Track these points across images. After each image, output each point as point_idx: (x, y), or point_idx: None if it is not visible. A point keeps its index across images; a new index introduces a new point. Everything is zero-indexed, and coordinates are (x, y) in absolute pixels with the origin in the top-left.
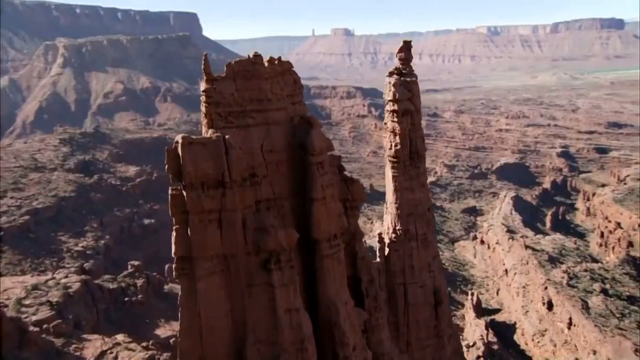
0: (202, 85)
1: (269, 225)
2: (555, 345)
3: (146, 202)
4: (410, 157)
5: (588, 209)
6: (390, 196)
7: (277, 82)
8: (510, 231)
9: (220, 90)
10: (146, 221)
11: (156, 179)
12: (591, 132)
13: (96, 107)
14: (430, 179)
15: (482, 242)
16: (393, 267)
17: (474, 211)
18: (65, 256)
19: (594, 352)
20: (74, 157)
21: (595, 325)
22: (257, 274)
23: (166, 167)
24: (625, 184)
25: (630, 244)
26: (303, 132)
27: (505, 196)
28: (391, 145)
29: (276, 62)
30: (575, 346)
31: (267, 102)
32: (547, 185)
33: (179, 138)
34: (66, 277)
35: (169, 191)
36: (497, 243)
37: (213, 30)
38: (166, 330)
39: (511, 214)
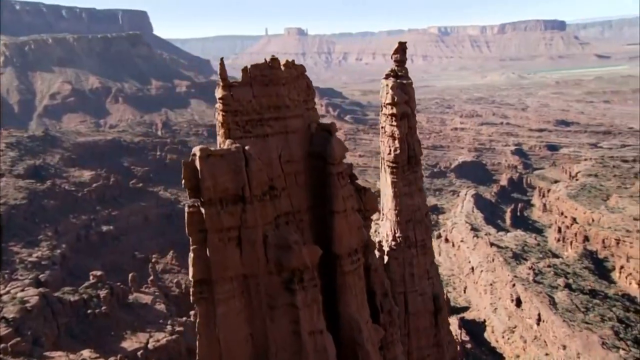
0: (218, 92)
1: (292, 241)
2: (525, 342)
3: (104, 208)
4: (408, 162)
5: (544, 205)
6: (389, 202)
7: (293, 87)
8: (474, 229)
9: (238, 97)
10: (105, 228)
11: (113, 184)
12: (541, 130)
13: (42, 108)
14: None
15: (447, 240)
16: (393, 275)
17: (435, 210)
18: (18, 268)
19: (564, 347)
20: (22, 162)
21: (564, 321)
22: (279, 295)
23: (183, 182)
24: (577, 179)
25: (586, 239)
26: (321, 140)
27: (466, 194)
28: (390, 150)
29: (291, 65)
30: (545, 342)
31: (285, 109)
32: (504, 182)
33: (196, 150)
34: (22, 290)
35: (186, 208)
36: (461, 241)
37: (164, 29)
38: (133, 342)
39: (473, 211)
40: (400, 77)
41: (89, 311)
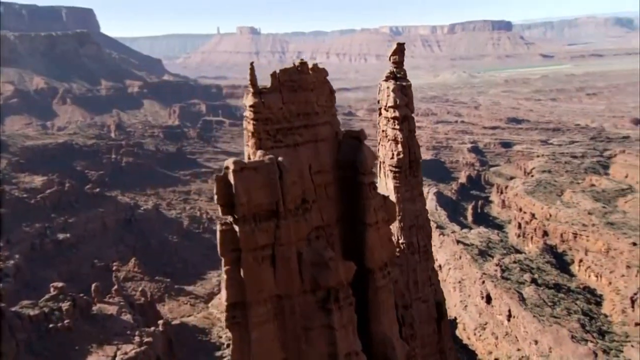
0: (248, 99)
1: (328, 258)
2: (497, 338)
3: (59, 215)
4: (410, 166)
5: (503, 201)
6: None
7: (321, 92)
8: (439, 227)
9: (269, 104)
10: (61, 236)
11: (69, 189)
12: (494, 128)
13: None
14: None
15: None
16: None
17: None
18: None
19: (536, 342)
20: None
21: (534, 316)
22: (315, 316)
23: (215, 198)
24: (532, 176)
25: (545, 233)
26: (350, 148)
27: (428, 192)
28: (393, 154)
29: (317, 69)
30: (516, 337)
31: (315, 115)
32: (463, 180)
33: (230, 163)
34: None
35: (218, 227)
36: None
37: (111, 27)
38: (99, 356)
39: (436, 209)
40: (399, 79)
41: (50, 325)
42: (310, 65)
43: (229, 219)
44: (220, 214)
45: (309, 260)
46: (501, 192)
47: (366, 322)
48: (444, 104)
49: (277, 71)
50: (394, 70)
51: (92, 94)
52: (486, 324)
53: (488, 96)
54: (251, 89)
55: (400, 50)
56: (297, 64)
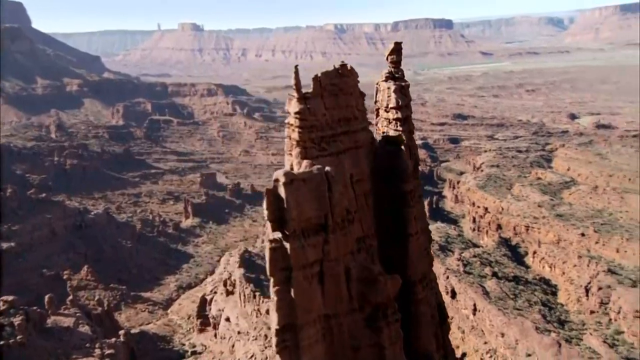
0: (293, 105)
1: (377, 273)
2: (463, 332)
3: (2, 222)
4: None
5: (455, 196)
6: None
7: (357, 96)
8: None
9: (314, 110)
10: (5, 245)
11: (10, 195)
12: (442, 124)
13: None
14: None
15: None
16: None
17: None
18: None
19: (502, 335)
20: None
21: (499, 309)
22: (363, 334)
23: (265, 213)
24: (482, 170)
25: (499, 227)
26: (387, 154)
27: None
28: None
29: (352, 72)
30: (482, 331)
31: (354, 121)
32: None
33: (280, 175)
34: None
35: (267, 244)
36: None
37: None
38: None
39: None
40: (397, 79)
41: (1, 343)
42: (348, 67)
43: (278, 235)
44: (269, 230)
45: (356, 276)
46: (453, 187)
47: (406, 337)
48: None
49: (319, 74)
50: (392, 70)
51: (27, 92)
52: (452, 318)
53: (434, 93)
54: (295, 94)
55: (397, 49)
56: (337, 66)
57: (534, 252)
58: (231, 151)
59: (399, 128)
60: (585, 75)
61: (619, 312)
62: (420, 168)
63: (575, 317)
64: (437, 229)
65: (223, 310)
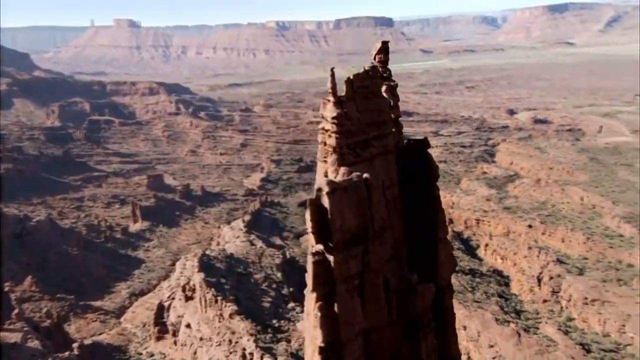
0: (329, 110)
1: (415, 282)
2: None
3: None
4: None
5: None
6: None
7: (386, 97)
8: None
9: (351, 115)
10: None
11: None
12: None
13: None
14: (261, 175)
15: None
16: None
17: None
18: None
19: (465, 328)
20: None
21: (459, 302)
22: (402, 347)
23: (310, 225)
24: None
25: (451, 221)
26: (415, 158)
27: None
28: None
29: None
30: None
31: (384, 124)
32: None
33: (323, 184)
34: None
35: (310, 258)
36: None
37: None
38: None
39: None
40: (385, 79)
41: None
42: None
43: (320, 248)
44: (311, 242)
45: (395, 287)
46: None
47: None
48: None
49: (351, 77)
50: (380, 70)
51: None
52: None
53: None
54: (331, 98)
55: (384, 49)
56: (367, 67)
57: (486, 245)
58: (177, 151)
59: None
60: (520, 72)
61: (569, 300)
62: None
63: (530, 307)
64: None
65: (183, 317)
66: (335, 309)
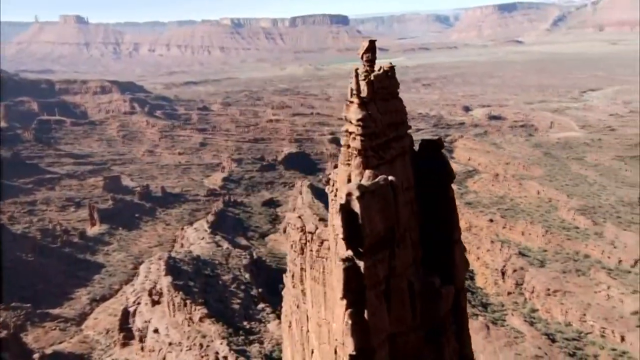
0: (353, 112)
1: (439, 285)
2: None
3: None
4: None
5: None
6: None
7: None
8: (322, 219)
9: (375, 117)
10: None
11: None
12: None
13: None
14: (222, 174)
15: None
16: None
17: (272, 203)
18: None
19: None
20: None
21: None
22: (425, 351)
23: (340, 231)
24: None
25: None
26: (428, 159)
27: (302, 186)
28: None
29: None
30: None
31: (401, 125)
32: (330, 171)
33: (353, 189)
34: None
35: (341, 264)
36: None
37: None
38: None
39: (314, 202)
40: None
41: None
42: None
43: (349, 253)
44: (341, 248)
45: (418, 290)
46: None
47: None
48: (296, 97)
49: (372, 77)
50: (368, 69)
51: None
52: None
53: (337, 88)
54: (356, 100)
55: (371, 47)
56: (385, 68)
57: None
58: (133, 152)
59: None
60: (473, 70)
61: (532, 292)
62: (333, 163)
63: (495, 299)
64: None
65: (150, 322)
66: (365, 315)
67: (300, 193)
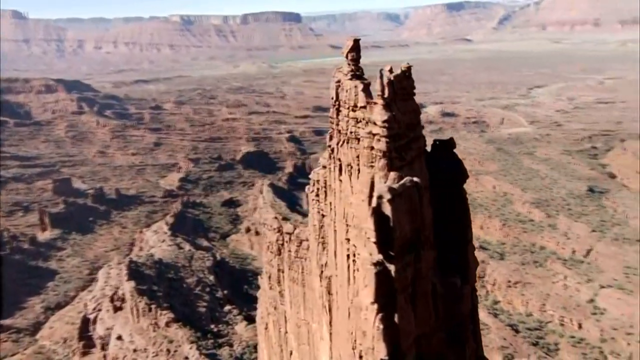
0: (378, 113)
1: (459, 286)
2: None
3: None
4: None
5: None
6: (363, 211)
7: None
8: (285, 218)
9: (398, 117)
10: None
11: None
12: (305, 117)
13: None
14: (179, 175)
15: (257, 233)
16: None
17: (232, 203)
18: None
19: None
20: None
21: None
22: (447, 352)
23: (373, 236)
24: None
25: None
26: (441, 159)
27: (262, 185)
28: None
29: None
30: None
31: (418, 126)
32: (290, 169)
33: (384, 191)
34: None
35: (372, 268)
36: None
37: None
38: None
39: (275, 201)
40: (359, 77)
41: None
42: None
43: (380, 257)
44: (373, 252)
45: (441, 292)
46: None
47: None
48: (251, 95)
49: (392, 78)
50: (353, 68)
51: None
52: None
53: (291, 86)
54: (380, 101)
55: (356, 46)
56: (403, 68)
57: None
58: (84, 153)
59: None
60: (425, 68)
61: (494, 284)
62: (292, 161)
63: None
64: None
65: (112, 329)
66: (396, 319)
67: (261, 192)
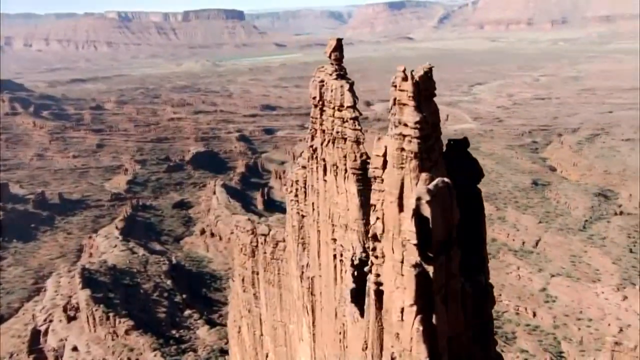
0: (409, 114)
1: (485, 285)
2: None
3: None
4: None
5: (284, 185)
6: (354, 213)
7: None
8: (248, 219)
9: (427, 118)
10: None
11: None
12: (253, 116)
13: None
14: (125, 177)
15: (213, 234)
16: None
17: (183, 205)
18: None
19: None
20: None
21: None
22: (473, 353)
23: (415, 237)
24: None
25: None
26: (455, 158)
27: (215, 185)
28: (356, 157)
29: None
30: None
31: (438, 126)
32: (242, 169)
33: (423, 193)
34: None
35: (412, 270)
36: (232, 233)
37: None
38: None
39: (230, 201)
40: (343, 76)
41: None
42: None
43: (418, 258)
44: (413, 254)
45: (470, 292)
46: (280, 177)
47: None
48: (196, 94)
49: (417, 79)
50: (337, 67)
51: None
52: None
53: (238, 85)
54: (411, 102)
55: (339, 46)
56: (425, 69)
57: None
58: (20, 156)
59: (357, 127)
60: (370, 65)
61: None
62: (244, 161)
63: None
64: (277, 219)
65: (66, 340)
66: (434, 320)
67: (214, 193)
